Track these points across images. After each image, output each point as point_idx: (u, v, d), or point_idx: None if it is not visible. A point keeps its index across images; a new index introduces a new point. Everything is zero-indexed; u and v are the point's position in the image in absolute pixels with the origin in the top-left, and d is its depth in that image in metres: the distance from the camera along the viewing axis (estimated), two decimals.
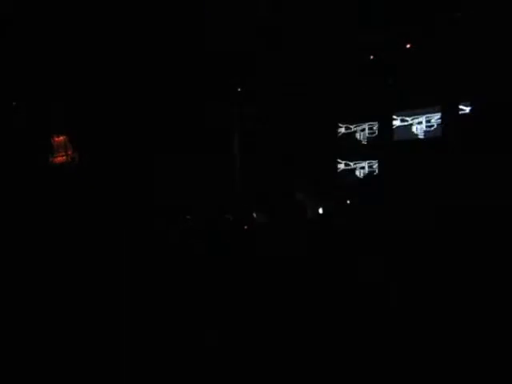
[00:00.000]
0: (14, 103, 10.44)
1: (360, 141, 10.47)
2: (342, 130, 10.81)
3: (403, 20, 8.54)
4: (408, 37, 8.93)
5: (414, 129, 9.69)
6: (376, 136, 10.25)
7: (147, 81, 9.62)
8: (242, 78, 10.61)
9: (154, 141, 10.23)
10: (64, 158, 10.47)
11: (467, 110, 8.82)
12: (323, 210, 7.61)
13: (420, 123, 9.61)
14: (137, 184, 9.90)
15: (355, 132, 10.60)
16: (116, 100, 9.87)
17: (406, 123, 9.82)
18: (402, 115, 9.85)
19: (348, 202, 8.64)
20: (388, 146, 9.98)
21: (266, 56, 9.64)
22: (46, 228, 8.45)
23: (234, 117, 11.19)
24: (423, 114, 9.54)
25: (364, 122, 10.48)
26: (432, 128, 9.40)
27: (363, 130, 10.51)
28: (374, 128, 10.31)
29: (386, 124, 10.09)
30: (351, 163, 10.55)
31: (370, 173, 10.05)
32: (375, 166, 10.07)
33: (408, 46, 8.94)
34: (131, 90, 9.76)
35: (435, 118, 9.36)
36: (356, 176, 10.34)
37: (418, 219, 7.33)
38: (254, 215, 7.86)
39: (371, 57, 9.68)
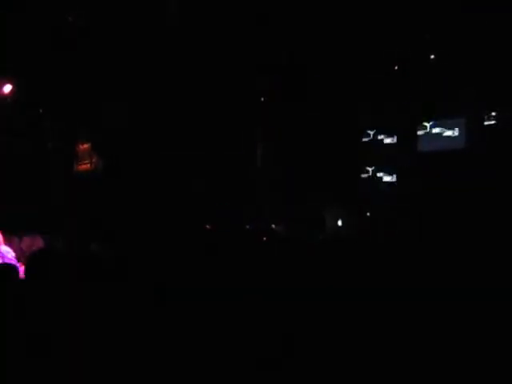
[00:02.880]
0: (40, 110, 10.64)
1: (384, 150, 10.35)
2: (366, 138, 10.71)
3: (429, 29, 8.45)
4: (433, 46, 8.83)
5: (440, 140, 9.55)
6: (399, 146, 10.13)
7: (168, 89, 9.71)
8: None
9: (173, 148, 10.29)
10: (88, 165, 10.63)
11: (492, 121, 8.68)
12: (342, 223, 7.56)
13: (446, 134, 9.48)
14: (155, 191, 9.97)
15: (380, 141, 10.49)
16: (138, 108, 9.99)
17: (431, 133, 9.69)
18: (428, 125, 9.73)
19: (368, 214, 8.55)
20: (412, 156, 9.85)
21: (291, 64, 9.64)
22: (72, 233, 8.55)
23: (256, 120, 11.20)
24: (449, 124, 9.41)
25: (389, 131, 10.37)
26: (456, 139, 9.25)
27: (388, 139, 10.40)
28: (398, 138, 10.19)
29: (409, 134, 9.96)
30: (374, 172, 10.44)
31: (393, 183, 9.93)
32: (397, 176, 9.93)
33: (432, 56, 8.83)
34: (153, 97, 9.87)
35: (460, 129, 9.22)
36: (377, 187, 10.21)
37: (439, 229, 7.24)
38: (273, 226, 7.86)
39: (396, 67, 9.61)
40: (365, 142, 10.69)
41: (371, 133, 10.59)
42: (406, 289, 3.98)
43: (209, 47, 8.91)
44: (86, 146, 10.72)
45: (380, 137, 10.42)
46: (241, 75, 9.83)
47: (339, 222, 7.79)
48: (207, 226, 8.33)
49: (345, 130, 10.47)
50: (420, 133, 9.77)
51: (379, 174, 10.25)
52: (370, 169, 10.51)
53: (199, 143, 10.38)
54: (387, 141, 10.35)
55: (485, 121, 8.78)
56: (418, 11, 8.01)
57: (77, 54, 8.90)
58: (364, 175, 10.66)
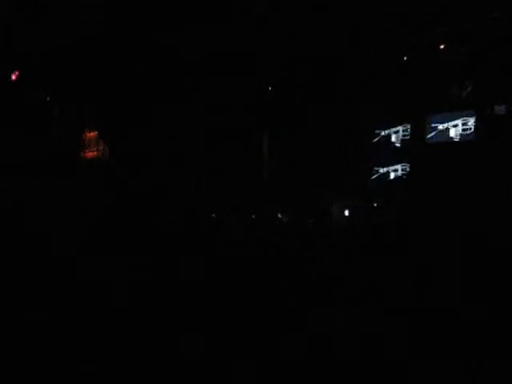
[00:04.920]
0: (48, 98, 10.65)
1: (394, 144, 10.27)
2: (377, 135, 10.65)
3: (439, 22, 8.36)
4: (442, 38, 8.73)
5: (449, 132, 9.45)
6: (409, 139, 10.03)
7: (174, 81, 9.69)
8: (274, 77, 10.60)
9: (180, 138, 10.28)
10: (95, 153, 10.67)
11: (502, 112, 8.56)
12: (349, 213, 7.53)
13: (455, 126, 9.37)
14: (162, 181, 9.96)
15: (389, 135, 10.41)
16: (144, 97, 9.97)
17: (440, 126, 9.59)
18: (436, 118, 9.62)
19: (375, 204, 8.50)
20: (421, 148, 9.75)
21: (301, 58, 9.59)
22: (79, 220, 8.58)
23: (264, 116, 11.18)
24: (458, 116, 9.30)
25: (398, 124, 10.28)
26: (467, 131, 9.15)
27: (397, 132, 10.32)
28: (408, 131, 10.09)
29: (419, 127, 9.87)
30: (384, 167, 10.36)
31: (403, 176, 9.84)
32: (408, 169, 9.84)
33: (442, 46, 8.73)
34: (159, 87, 9.86)
35: (471, 121, 9.11)
36: (387, 179, 10.11)
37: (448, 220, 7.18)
38: (279, 215, 7.84)
39: (405, 58, 9.52)
40: (372, 136, 10.64)
41: (379, 132, 10.56)
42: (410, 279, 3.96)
43: (215, 47, 8.90)
44: (92, 133, 10.75)
45: (387, 131, 10.37)
46: (248, 75, 9.83)
47: (346, 212, 7.75)
48: (213, 215, 8.35)
49: (352, 126, 10.43)
50: (430, 125, 9.68)
51: (386, 169, 10.19)
52: (378, 168, 10.46)
53: (205, 137, 10.38)
54: (395, 134, 10.29)
55: (494, 112, 8.67)
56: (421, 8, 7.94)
57: (85, 44, 8.88)
58: (373, 171, 10.60)
